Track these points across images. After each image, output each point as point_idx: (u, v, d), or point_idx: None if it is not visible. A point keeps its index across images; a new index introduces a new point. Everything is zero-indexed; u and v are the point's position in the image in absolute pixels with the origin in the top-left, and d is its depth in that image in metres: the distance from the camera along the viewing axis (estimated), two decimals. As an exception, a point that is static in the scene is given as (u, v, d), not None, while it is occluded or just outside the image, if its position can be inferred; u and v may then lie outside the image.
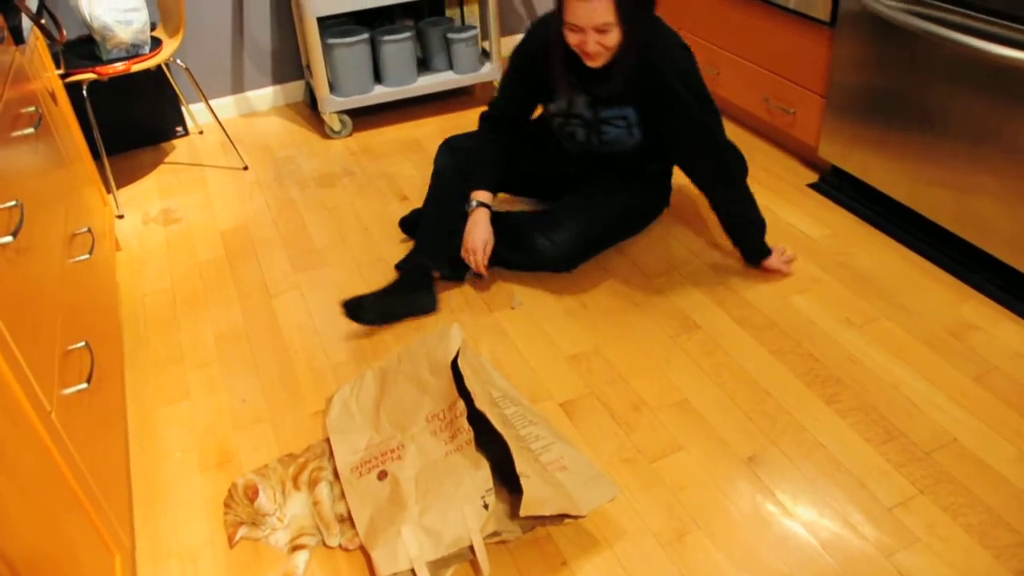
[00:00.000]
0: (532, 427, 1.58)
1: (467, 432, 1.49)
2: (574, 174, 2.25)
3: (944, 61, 1.96)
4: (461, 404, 1.51)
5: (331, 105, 2.98)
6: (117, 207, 2.66)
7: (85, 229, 1.87)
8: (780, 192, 2.51)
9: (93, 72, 2.47)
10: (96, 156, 2.55)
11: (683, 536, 1.49)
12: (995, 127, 1.88)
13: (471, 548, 1.38)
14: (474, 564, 1.45)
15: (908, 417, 1.69)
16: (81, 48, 2.60)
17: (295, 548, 1.48)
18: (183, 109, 3.13)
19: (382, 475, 1.51)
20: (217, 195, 2.72)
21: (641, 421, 1.73)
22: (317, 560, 1.48)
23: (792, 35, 2.47)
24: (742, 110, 2.89)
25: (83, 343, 1.50)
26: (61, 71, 2.44)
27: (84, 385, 1.40)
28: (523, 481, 1.34)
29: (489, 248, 2.07)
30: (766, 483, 1.58)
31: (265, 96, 3.30)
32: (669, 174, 2.29)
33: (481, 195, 2.11)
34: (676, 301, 2.07)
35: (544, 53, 1.96)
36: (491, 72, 3.17)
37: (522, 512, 1.31)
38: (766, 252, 2.12)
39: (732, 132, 2.87)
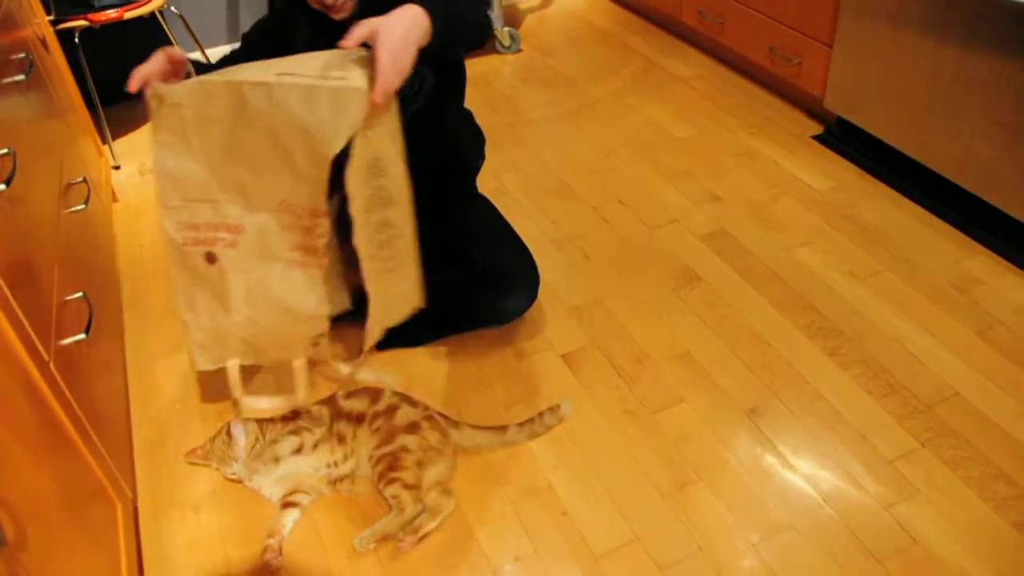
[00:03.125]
0: (390, 209, 1.33)
1: (321, 253, 1.28)
2: None
3: (955, 8, 1.92)
4: (326, 223, 1.27)
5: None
6: (113, 158, 2.63)
7: (81, 179, 1.84)
8: (785, 144, 2.47)
9: (85, 19, 2.42)
10: (90, 106, 2.51)
11: (684, 487, 1.49)
12: (1009, 77, 1.85)
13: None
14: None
15: (910, 370, 1.69)
16: (73, -6, 2.55)
17: (286, 505, 1.48)
18: (178, 58, 3.07)
19: (210, 257, 1.31)
20: (214, 146, 2.68)
21: (643, 373, 1.73)
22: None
23: (800, -18, 2.42)
24: (747, 60, 2.84)
25: (81, 293, 1.49)
26: (52, 17, 2.39)
27: (82, 335, 1.39)
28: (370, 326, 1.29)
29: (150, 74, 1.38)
30: (767, 435, 1.58)
31: (261, 45, 3.24)
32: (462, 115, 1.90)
33: None
34: (678, 252, 2.06)
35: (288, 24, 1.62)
36: (492, 21, 3.11)
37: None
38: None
39: (737, 82, 2.83)
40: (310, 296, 1.29)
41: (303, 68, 1.21)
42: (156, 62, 1.35)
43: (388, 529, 1.41)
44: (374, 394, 1.56)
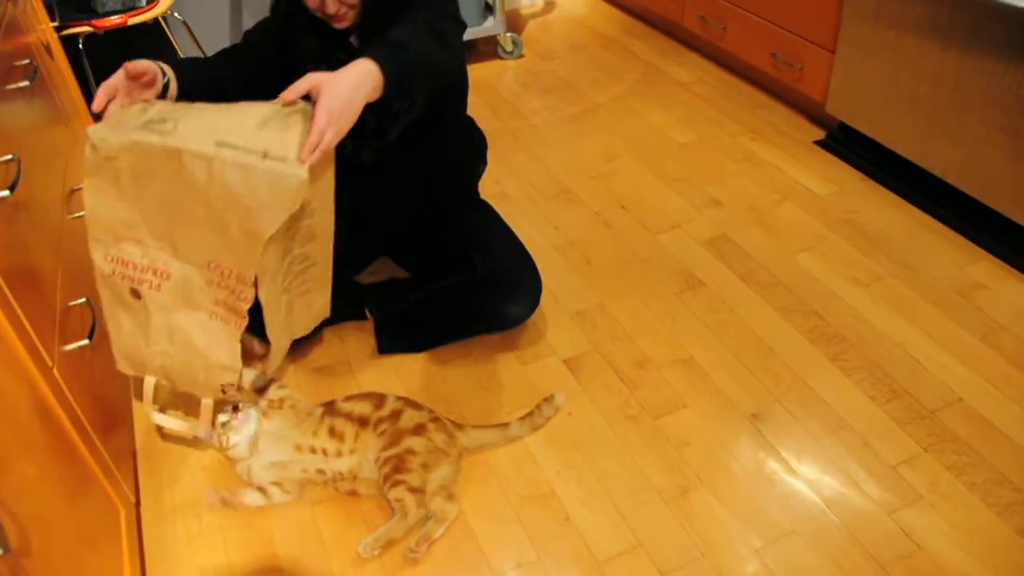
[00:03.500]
0: (311, 244, 1.35)
1: (242, 314, 1.28)
2: (396, 199, 1.83)
3: (958, 14, 1.92)
4: (251, 292, 1.26)
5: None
6: (116, 163, 2.63)
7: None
8: (787, 149, 2.48)
9: (89, 25, 2.43)
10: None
11: (687, 492, 1.49)
12: (1011, 82, 1.85)
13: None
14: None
15: (913, 376, 1.68)
16: (76, 0, 2.55)
17: (260, 488, 1.49)
18: (181, 64, 3.08)
19: (135, 293, 1.32)
20: (217, 151, 2.69)
21: (645, 378, 1.73)
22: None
23: (802, -12, 2.42)
24: (749, 65, 2.85)
25: (84, 299, 1.49)
26: (56, 23, 2.39)
27: (86, 341, 1.39)
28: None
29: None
30: (770, 440, 1.57)
31: (264, 51, 3.25)
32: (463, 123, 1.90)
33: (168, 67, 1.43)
34: (680, 257, 2.06)
35: (289, 40, 1.64)
36: (494, 26, 3.11)
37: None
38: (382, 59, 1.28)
39: (739, 87, 2.83)
40: (226, 349, 1.30)
41: (243, 130, 1.17)
42: (117, 78, 1.29)
43: (392, 534, 1.41)
44: (377, 399, 1.56)
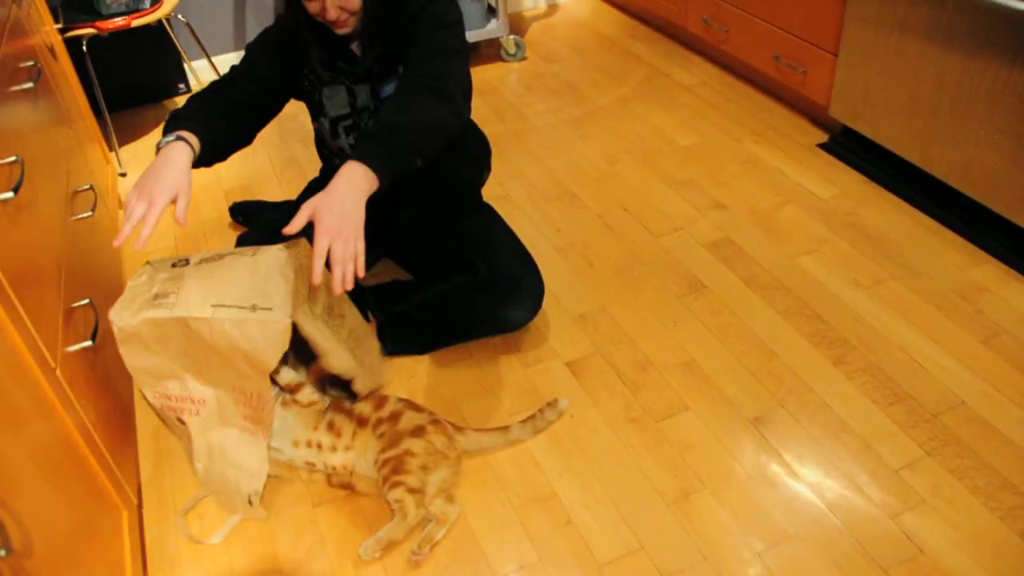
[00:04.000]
0: (345, 320, 1.57)
1: (267, 424, 1.46)
2: (402, 202, 1.85)
3: (961, 16, 1.92)
4: (271, 404, 1.46)
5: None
6: (120, 165, 2.64)
7: (87, 187, 1.85)
8: (789, 152, 2.48)
9: (93, 27, 2.43)
10: (98, 113, 2.52)
11: (689, 496, 1.49)
12: (1014, 85, 1.85)
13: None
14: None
15: (915, 379, 1.68)
16: (80, 2, 2.56)
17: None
18: (185, 66, 3.09)
19: (181, 421, 1.50)
20: (220, 153, 2.70)
21: (647, 381, 1.73)
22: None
23: (804, -9, 2.42)
24: (752, 68, 2.85)
25: (87, 300, 1.49)
26: (60, 25, 2.40)
27: (88, 343, 1.39)
28: None
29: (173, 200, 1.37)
30: (772, 443, 1.57)
31: (267, 53, 3.25)
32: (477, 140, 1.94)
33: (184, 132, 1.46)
34: (682, 260, 2.06)
35: (293, 50, 1.66)
36: (497, 29, 3.12)
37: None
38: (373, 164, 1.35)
39: (741, 90, 2.83)
40: (255, 456, 1.48)
41: (234, 289, 1.38)
42: (151, 214, 1.33)
43: (393, 536, 1.41)
44: (378, 400, 1.56)
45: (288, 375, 1.50)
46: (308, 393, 1.52)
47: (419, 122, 1.42)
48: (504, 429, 1.60)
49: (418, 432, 1.49)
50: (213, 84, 1.65)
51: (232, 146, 1.63)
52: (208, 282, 1.39)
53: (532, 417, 1.62)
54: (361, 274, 1.28)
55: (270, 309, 1.35)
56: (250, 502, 1.48)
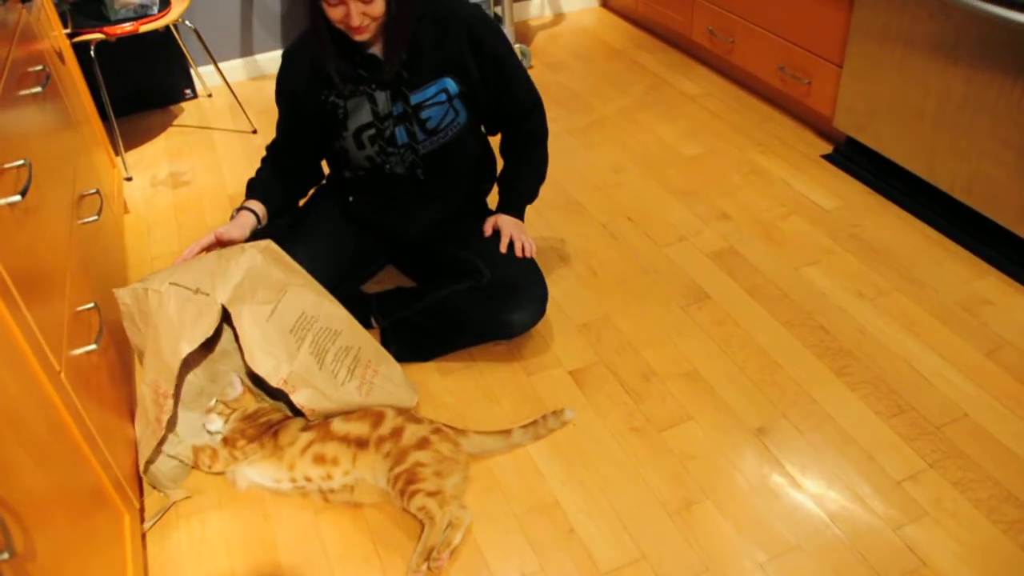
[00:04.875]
0: (339, 339, 1.61)
1: (162, 424, 1.52)
2: (418, 211, 1.89)
3: (966, 29, 1.93)
4: (170, 404, 1.51)
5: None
6: (125, 169, 2.65)
7: (93, 191, 1.86)
8: (793, 163, 2.48)
9: (101, 32, 2.44)
10: (104, 118, 2.53)
11: (691, 506, 1.49)
12: (1018, 98, 1.85)
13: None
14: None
15: (918, 391, 1.68)
16: (89, 7, 2.57)
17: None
18: (192, 71, 3.10)
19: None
20: (225, 158, 2.70)
21: (650, 390, 1.72)
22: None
23: (810, 2, 2.42)
24: (757, 79, 2.85)
25: (92, 304, 1.50)
26: (68, 30, 2.41)
27: (93, 346, 1.39)
28: None
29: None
30: (775, 454, 1.57)
31: (274, 59, 3.26)
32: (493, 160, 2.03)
33: (252, 203, 1.81)
34: (686, 270, 2.06)
35: (307, 71, 1.74)
36: (502, 37, 3.13)
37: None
38: (519, 214, 1.91)
39: (746, 101, 2.84)
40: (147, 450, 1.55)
41: (195, 273, 1.52)
42: (209, 241, 1.68)
43: (430, 542, 1.39)
44: (375, 417, 1.54)
45: (252, 403, 1.60)
46: (232, 424, 1.58)
47: (541, 170, 1.94)
48: (506, 433, 1.60)
49: (423, 444, 1.49)
50: (265, 159, 1.90)
51: (294, 198, 1.95)
52: (183, 267, 1.55)
53: (535, 423, 1.62)
54: (531, 253, 1.80)
55: (208, 295, 1.49)
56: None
